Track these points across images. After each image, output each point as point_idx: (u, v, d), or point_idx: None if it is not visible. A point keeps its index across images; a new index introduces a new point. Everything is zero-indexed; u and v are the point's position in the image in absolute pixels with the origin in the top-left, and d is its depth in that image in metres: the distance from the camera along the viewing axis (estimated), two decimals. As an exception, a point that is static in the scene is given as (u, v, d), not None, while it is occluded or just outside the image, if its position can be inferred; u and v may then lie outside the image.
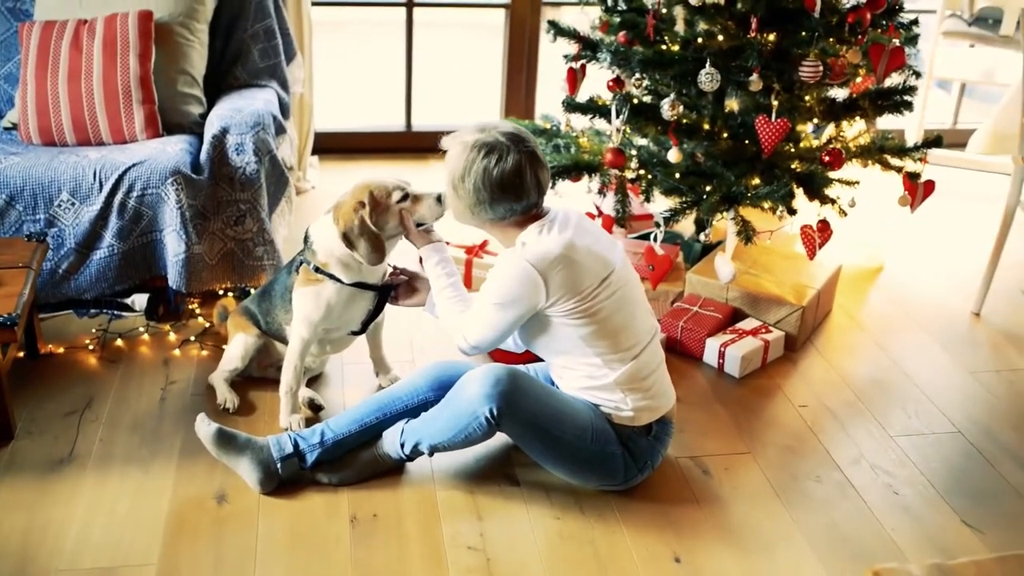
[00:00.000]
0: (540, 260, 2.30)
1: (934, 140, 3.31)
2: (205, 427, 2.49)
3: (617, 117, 3.15)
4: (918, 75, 3.34)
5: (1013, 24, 4.37)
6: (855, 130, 3.45)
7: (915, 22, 3.25)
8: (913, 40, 3.31)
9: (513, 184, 2.29)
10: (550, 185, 2.44)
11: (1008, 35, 4.40)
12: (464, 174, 2.30)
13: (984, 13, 4.52)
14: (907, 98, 3.24)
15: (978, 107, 5.89)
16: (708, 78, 2.98)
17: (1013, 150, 3.45)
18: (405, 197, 2.52)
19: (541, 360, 2.64)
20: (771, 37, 3.05)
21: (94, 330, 3.17)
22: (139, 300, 3.26)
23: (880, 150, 3.34)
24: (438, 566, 2.28)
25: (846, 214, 3.19)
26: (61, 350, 3.06)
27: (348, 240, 2.50)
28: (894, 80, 3.24)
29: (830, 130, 3.43)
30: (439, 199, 2.50)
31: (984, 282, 3.56)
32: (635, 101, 3.22)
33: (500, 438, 2.55)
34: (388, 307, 2.74)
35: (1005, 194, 3.49)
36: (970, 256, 4.00)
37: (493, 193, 2.29)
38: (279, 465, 2.47)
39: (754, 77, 2.98)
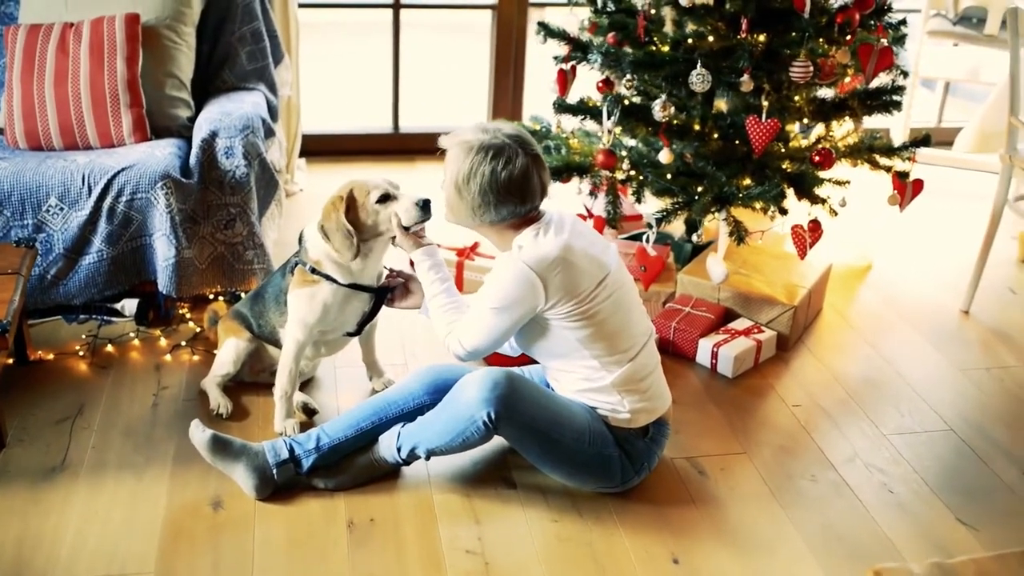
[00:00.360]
0: (538, 263, 2.29)
1: (922, 139, 3.33)
2: (200, 433, 2.47)
3: (609, 118, 3.15)
4: (906, 75, 3.35)
5: (997, 23, 4.40)
6: (843, 130, 3.46)
7: (903, 22, 3.27)
8: (901, 40, 3.33)
9: (520, 187, 2.29)
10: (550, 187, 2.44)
11: (993, 34, 4.43)
12: (469, 176, 2.29)
13: (968, 12, 4.55)
14: (896, 98, 3.25)
15: (962, 105, 5.93)
16: (699, 79, 2.98)
17: (1000, 148, 3.48)
18: (384, 198, 2.51)
19: (536, 363, 2.64)
20: (761, 38, 3.05)
21: (84, 336, 3.14)
22: (129, 305, 3.24)
23: (869, 149, 3.36)
24: (437, 570, 2.27)
25: (837, 214, 3.20)
26: (51, 356, 3.03)
27: (324, 233, 2.51)
28: (882, 80, 3.26)
29: (819, 130, 3.44)
30: (420, 204, 2.48)
31: (973, 280, 3.58)
32: (626, 102, 3.22)
33: (496, 441, 2.54)
34: (381, 309, 2.73)
35: (991, 192, 3.51)
36: (958, 254, 4.03)
37: (499, 196, 2.29)
38: (275, 471, 2.46)
39: (745, 78, 2.99)
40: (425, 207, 2.47)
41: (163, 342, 3.14)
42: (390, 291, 2.67)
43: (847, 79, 3.31)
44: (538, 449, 2.42)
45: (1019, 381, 3.19)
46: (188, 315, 3.28)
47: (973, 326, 3.53)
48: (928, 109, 5.42)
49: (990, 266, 3.66)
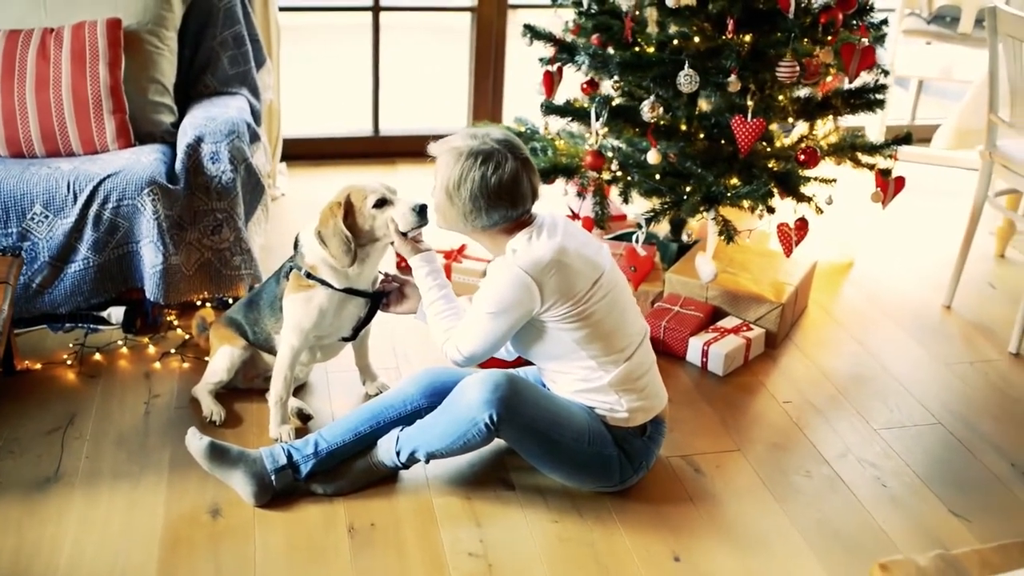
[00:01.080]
0: (533, 266, 2.30)
1: (904, 137, 3.37)
2: (196, 441, 2.45)
3: (597, 120, 3.16)
4: (887, 73, 3.39)
5: (971, 22, 4.47)
6: (824, 129, 3.50)
7: (885, 21, 3.31)
8: (881, 39, 3.37)
9: (510, 191, 2.30)
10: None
11: (966, 33, 4.50)
12: (460, 182, 2.29)
13: (942, 11, 4.62)
14: (879, 96, 3.30)
15: (935, 103, 6.01)
16: (687, 79, 3.00)
17: (977, 145, 3.53)
18: (381, 203, 2.51)
19: (530, 364, 2.64)
20: (747, 38, 3.08)
21: (71, 345, 3.11)
22: (115, 313, 3.21)
23: (851, 148, 3.40)
24: (440, 573, 2.27)
25: (822, 211, 3.23)
26: (38, 366, 2.99)
27: (321, 239, 2.51)
28: (864, 79, 3.30)
29: (802, 129, 3.47)
30: (416, 209, 2.48)
31: (954, 275, 3.63)
32: (613, 103, 3.23)
33: (493, 442, 2.53)
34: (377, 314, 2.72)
35: (966, 188, 3.57)
36: (937, 250, 4.09)
37: (490, 200, 2.29)
38: (273, 477, 2.45)
39: (732, 78, 3.01)
40: (422, 212, 2.46)
41: (152, 350, 3.11)
42: (385, 296, 2.67)
43: (829, 78, 3.35)
44: (539, 450, 2.42)
45: (1002, 374, 3.24)
46: (176, 322, 3.25)
47: (955, 321, 3.58)
48: (902, 107, 5.50)
49: (969, 261, 3.71)
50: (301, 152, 4.72)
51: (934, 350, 3.37)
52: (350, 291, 2.59)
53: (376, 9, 4.64)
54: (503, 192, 2.30)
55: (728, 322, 3.27)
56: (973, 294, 3.76)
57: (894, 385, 3.15)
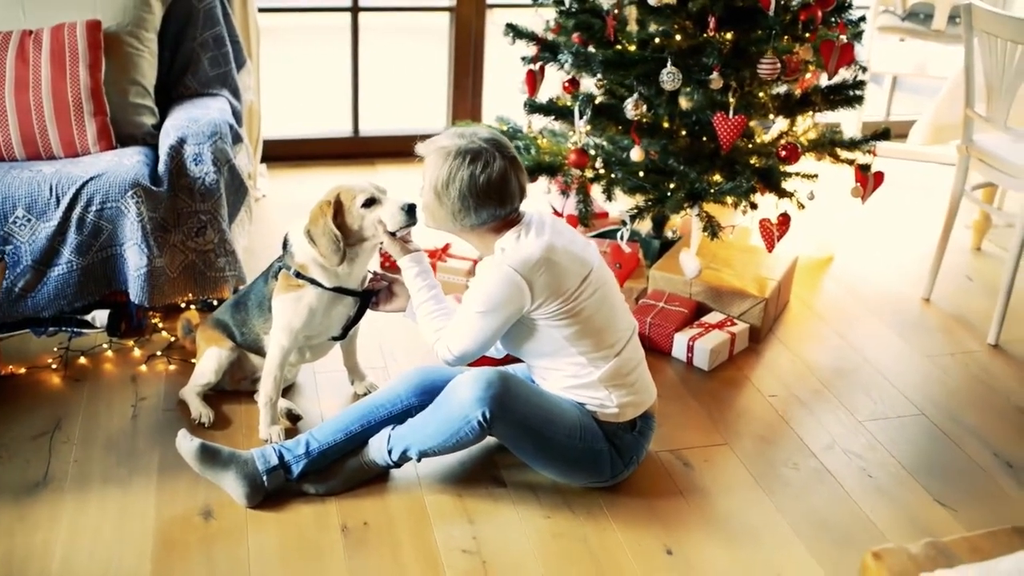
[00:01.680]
0: (523, 265, 2.31)
1: (882, 133, 3.41)
2: (187, 443, 2.44)
3: (580, 118, 3.18)
4: (865, 70, 3.43)
5: (944, 19, 4.53)
6: (804, 125, 3.53)
7: (863, 19, 3.35)
8: (859, 36, 3.41)
9: (499, 190, 2.31)
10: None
11: (940, 29, 4.56)
12: (448, 181, 2.30)
13: (916, 8, 4.68)
14: (858, 93, 3.34)
15: (908, 99, 6.08)
16: (670, 77, 3.03)
17: (956, 140, 3.57)
18: (370, 203, 2.51)
19: (519, 361, 2.65)
20: (728, 36, 3.11)
21: (55, 348, 3.09)
22: (100, 316, 3.18)
23: (831, 143, 3.44)
24: (435, 571, 2.28)
25: (804, 207, 3.27)
26: (23, 371, 2.97)
27: (311, 237, 2.51)
28: (842, 75, 3.34)
29: (781, 125, 3.51)
30: (405, 208, 2.48)
31: (933, 268, 3.68)
32: (596, 101, 3.25)
33: (484, 440, 2.54)
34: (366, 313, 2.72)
35: (941, 183, 3.61)
36: (915, 244, 4.14)
37: (479, 199, 2.30)
38: (265, 478, 2.44)
39: (714, 75, 3.04)
40: (410, 211, 2.47)
41: (137, 352, 3.10)
42: (375, 295, 2.67)
43: (808, 75, 3.38)
44: (531, 447, 2.44)
45: (983, 365, 3.28)
46: (160, 325, 3.24)
47: (935, 313, 3.63)
48: (877, 103, 5.55)
49: (947, 255, 3.75)
50: (281, 153, 4.71)
51: (915, 342, 3.42)
52: (339, 290, 2.59)
53: (355, 10, 4.64)
54: (491, 191, 2.32)
55: (712, 317, 3.30)
56: (951, 287, 3.81)
57: (877, 377, 3.19)
